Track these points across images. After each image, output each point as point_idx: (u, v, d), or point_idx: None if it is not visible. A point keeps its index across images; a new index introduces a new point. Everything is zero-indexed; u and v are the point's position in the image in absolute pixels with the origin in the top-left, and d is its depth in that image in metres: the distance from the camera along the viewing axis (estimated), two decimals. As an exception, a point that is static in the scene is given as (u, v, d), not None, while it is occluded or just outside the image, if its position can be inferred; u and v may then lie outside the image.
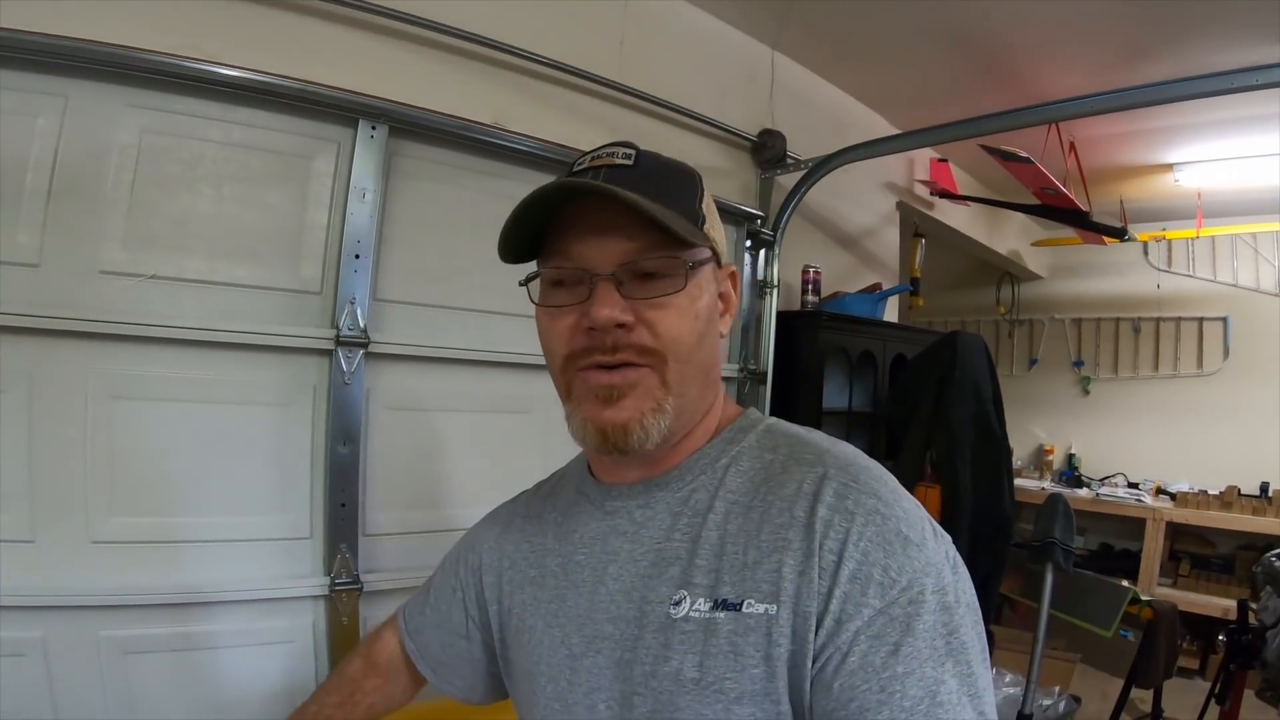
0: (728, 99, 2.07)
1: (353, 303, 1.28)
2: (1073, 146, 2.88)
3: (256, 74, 1.17)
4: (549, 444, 1.54)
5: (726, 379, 2.00)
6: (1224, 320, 3.98)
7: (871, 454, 1.78)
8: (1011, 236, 4.29)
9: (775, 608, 0.47)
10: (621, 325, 0.51)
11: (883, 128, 2.71)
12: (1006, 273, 4.92)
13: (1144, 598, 3.81)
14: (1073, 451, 4.53)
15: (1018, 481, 4.28)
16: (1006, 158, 2.54)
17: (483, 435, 1.48)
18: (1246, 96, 2.34)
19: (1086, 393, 4.52)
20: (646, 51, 1.84)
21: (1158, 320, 4.22)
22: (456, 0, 1.47)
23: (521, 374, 1.51)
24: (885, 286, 2.61)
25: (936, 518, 1.54)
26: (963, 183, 3.46)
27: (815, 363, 2.18)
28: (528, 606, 0.61)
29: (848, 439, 1.93)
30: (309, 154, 1.28)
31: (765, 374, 2.07)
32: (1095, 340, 4.48)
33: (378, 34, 1.38)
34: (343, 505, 1.25)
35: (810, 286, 2.32)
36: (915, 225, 3.24)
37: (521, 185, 1.46)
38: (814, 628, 0.46)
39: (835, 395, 2.36)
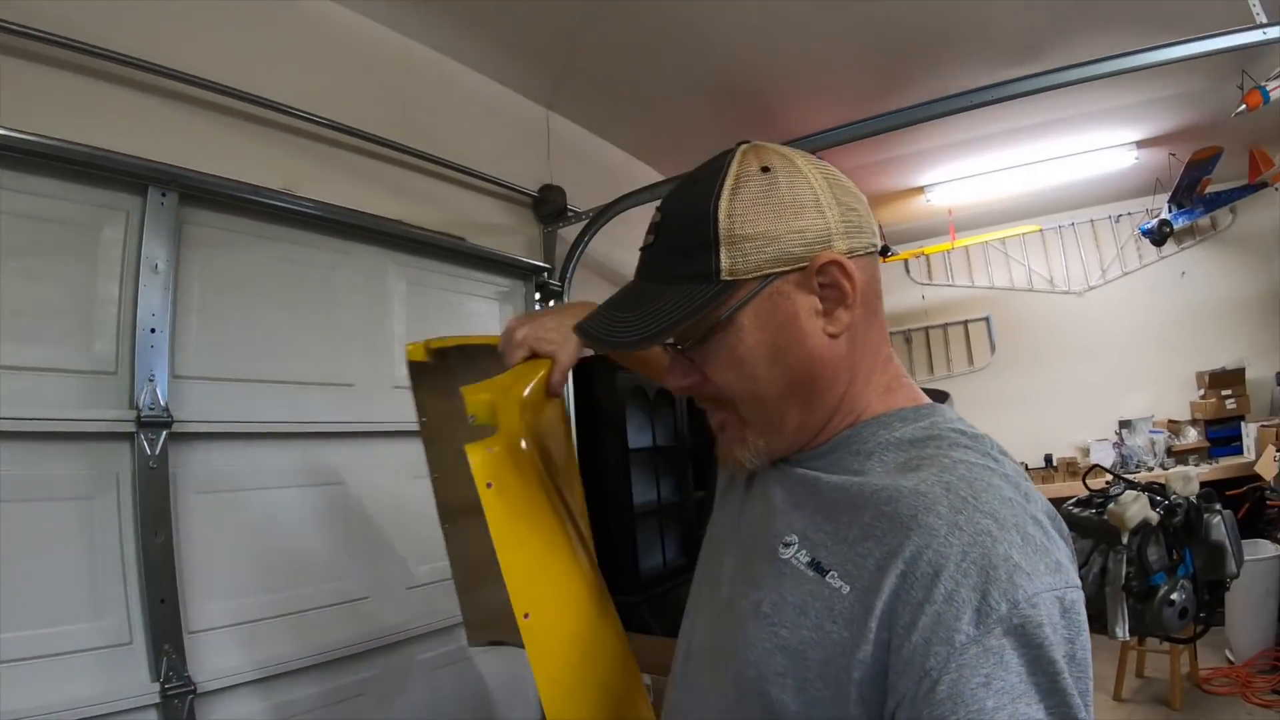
0: (509, 158, 2.62)
1: (151, 380, 1.49)
2: (828, 178, 3.91)
3: (39, 138, 1.35)
4: (365, 515, 1.84)
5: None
6: (986, 320, 5.60)
7: (679, 488, 2.40)
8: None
9: (847, 588, 0.58)
10: (692, 385, 0.70)
11: (654, 178, 3.44)
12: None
13: None
14: None
15: None
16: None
17: (299, 511, 1.73)
18: (982, 118, 3.55)
19: None
20: (429, 114, 2.30)
21: (927, 329, 5.77)
22: (244, 65, 1.77)
23: (333, 444, 1.80)
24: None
25: None
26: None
27: (616, 405, 2.72)
28: (714, 523, 0.83)
29: (656, 477, 2.49)
30: (97, 224, 1.48)
31: (569, 420, 2.54)
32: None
33: (166, 98, 1.64)
34: (162, 601, 1.42)
35: (600, 335, 2.87)
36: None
37: (313, 251, 1.81)
38: (882, 629, 0.55)
39: (638, 435, 2.94)
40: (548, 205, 2.70)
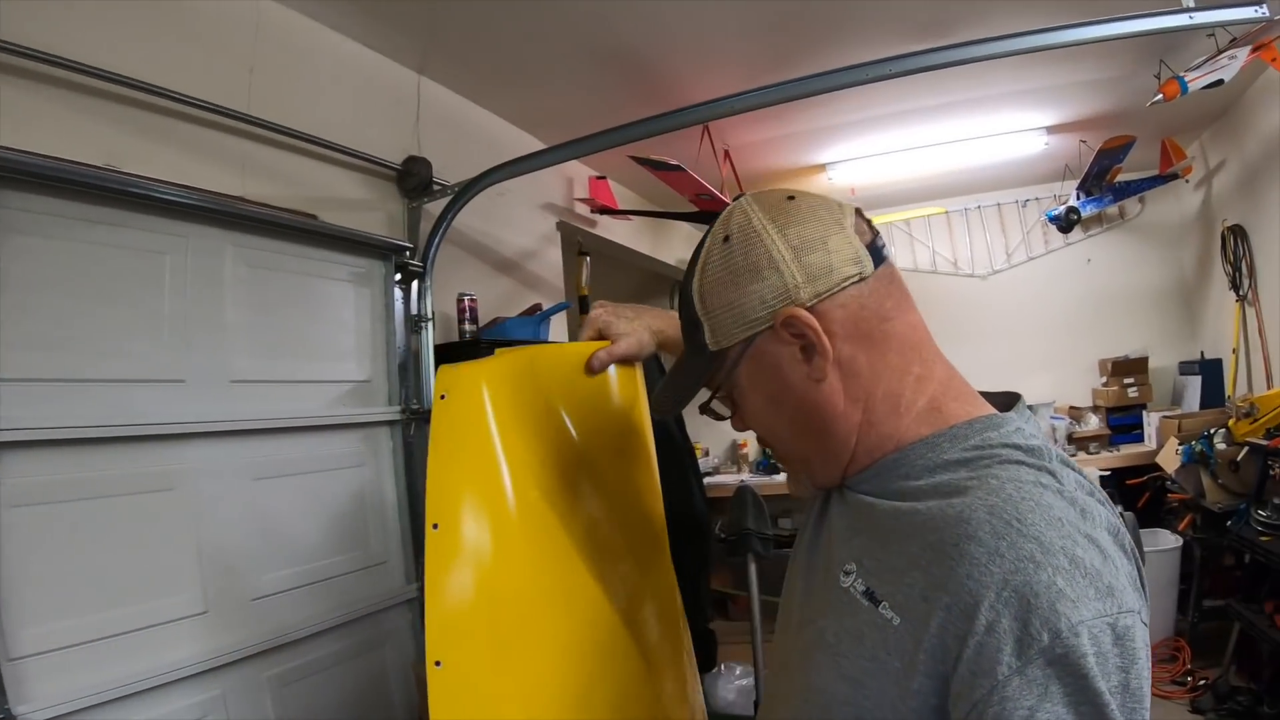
0: (371, 127, 2.70)
1: (-46, 384, 1.54)
2: (727, 154, 4.12)
3: None
4: (202, 522, 1.94)
5: (389, 423, 2.57)
6: (889, 301, 6.03)
7: None
8: (678, 246, 5.63)
9: (898, 620, 0.65)
10: (745, 429, 0.86)
11: (537, 148, 3.54)
12: (678, 282, 6.33)
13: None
14: None
15: (717, 479, 5.91)
16: (656, 166, 3.57)
17: (130, 522, 1.80)
18: (887, 96, 3.76)
19: None
20: (280, 80, 2.35)
21: None
22: (60, 26, 1.78)
23: (166, 447, 1.88)
24: (547, 307, 3.40)
25: None
26: (623, 198, 4.57)
27: None
28: (796, 544, 0.93)
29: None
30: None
31: (430, 412, 2.62)
32: (775, 336, 6.30)
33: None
34: (-23, 627, 1.49)
35: (467, 315, 2.99)
36: (579, 244, 4.18)
37: (142, 234, 1.86)
38: (934, 662, 0.61)
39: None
40: (412, 179, 2.79)
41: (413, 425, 2.65)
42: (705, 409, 0.89)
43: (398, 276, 2.66)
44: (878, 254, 0.78)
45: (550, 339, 3.33)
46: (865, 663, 0.67)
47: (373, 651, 2.40)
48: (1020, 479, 0.66)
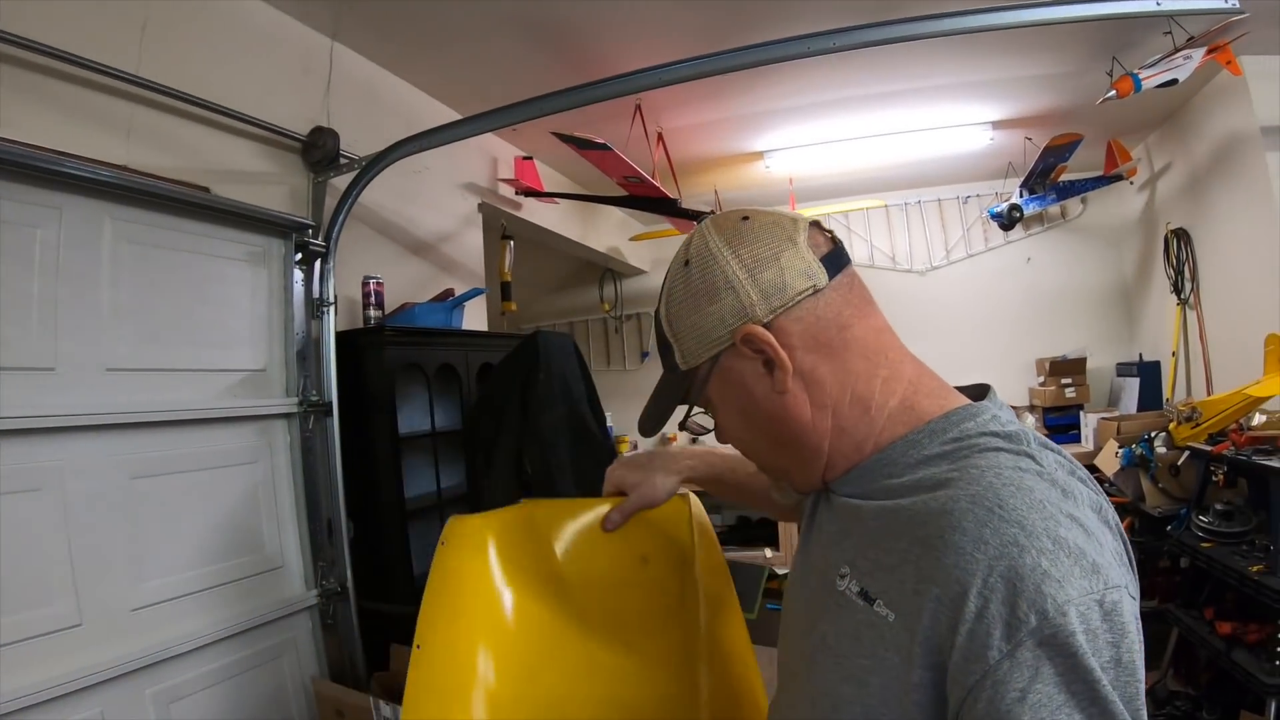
0: (276, 95, 2.65)
1: None
2: (660, 138, 4.15)
3: None
4: (74, 525, 1.88)
5: (286, 415, 2.54)
6: (825, 294, 6.26)
7: (468, 475, 2.54)
8: (608, 233, 5.65)
9: (892, 615, 0.70)
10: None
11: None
12: (608, 269, 6.41)
13: (780, 572, 5.52)
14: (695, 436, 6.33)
15: None
16: (582, 145, 3.57)
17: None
18: (829, 81, 3.81)
19: None
20: (175, 39, 2.30)
21: None
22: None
23: (31, 442, 1.81)
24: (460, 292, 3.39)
25: None
26: (550, 181, 4.57)
27: (385, 384, 2.80)
28: (797, 550, 1.01)
29: (436, 463, 2.63)
30: None
31: (330, 404, 2.62)
32: (706, 326, 6.50)
33: None
34: None
35: (372, 299, 2.95)
36: (503, 227, 4.17)
37: (11, 205, 1.81)
38: (930, 653, 0.66)
39: (419, 418, 3.07)
40: (318, 151, 2.74)
41: (311, 418, 2.60)
42: (684, 425, 0.97)
43: (298, 256, 2.61)
44: (836, 263, 0.85)
45: (464, 326, 3.31)
46: (865, 661, 0.72)
47: (269, 664, 2.35)
48: (1000, 465, 0.71)
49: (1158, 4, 2.09)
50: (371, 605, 2.68)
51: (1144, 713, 0.62)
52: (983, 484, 0.69)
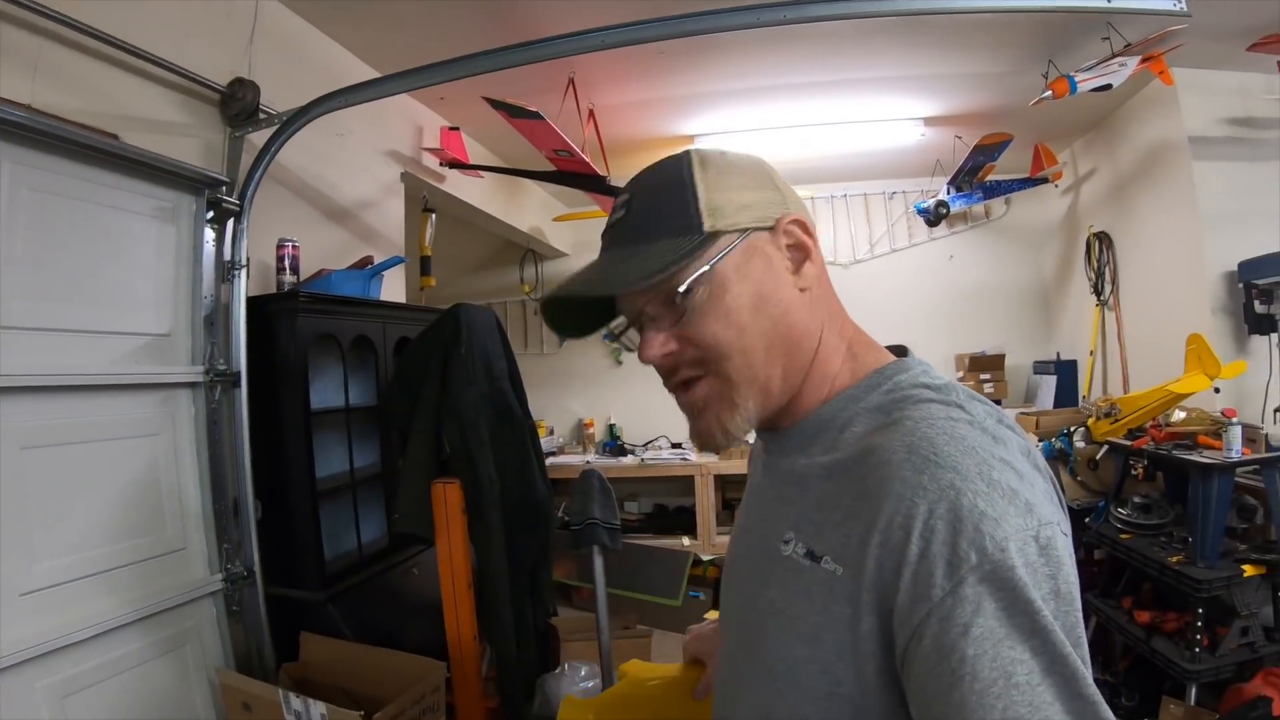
0: (197, 41, 2.51)
1: None
2: (592, 114, 4.10)
3: None
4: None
5: (191, 385, 2.42)
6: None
7: (383, 454, 2.47)
8: (532, 213, 5.59)
9: (840, 569, 0.74)
10: (669, 354, 0.86)
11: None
12: (530, 250, 6.36)
13: (705, 558, 5.57)
14: (613, 422, 6.59)
15: (561, 459, 6.08)
16: (513, 113, 3.49)
17: None
18: (762, 68, 3.82)
19: (619, 363, 6.65)
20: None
21: None
22: None
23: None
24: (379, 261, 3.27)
25: (459, 515, 2.27)
26: (477, 154, 4.48)
27: (297, 355, 2.67)
28: (735, 525, 1.03)
29: (349, 441, 2.55)
30: None
31: (239, 375, 2.50)
32: (626, 311, 6.56)
33: None
34: None
35: (287, 264, 2.82)
36: (425, 199, 4.06)
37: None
38: (877, 599, 0.70)
39: (332, 392, 2.97)
40: (236, 104, 2.61)
41: (218, 389, 2.48)
42: (617, 336, 0.94)
43: (210, 215, 2.48)
44: None
45: (381, 296, 3.21)
46: (818, 617, 0.75)
47: (171, 653, 2.25)
48: (933, 416, 0.76)
49: (1109, 1, 2.16)
50: (280, 591, 2.59)
51: (1085, 640, 0.66)
52: (917, 434, 0.73)
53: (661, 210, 0.86)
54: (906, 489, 0.69)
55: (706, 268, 0.83)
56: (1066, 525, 0.72)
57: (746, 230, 0.85)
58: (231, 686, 2.20)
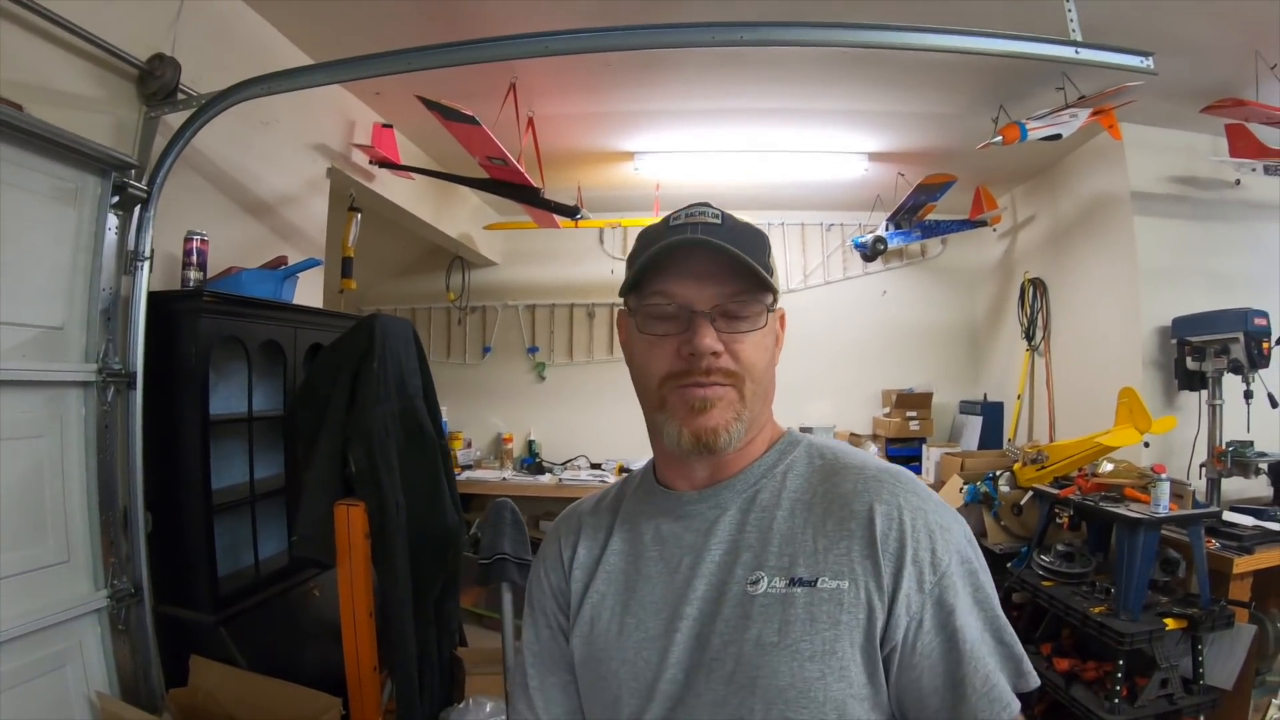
0: (116, 10, 2.38)
1: None
2: (531, 122, 4.04)
3: None
4: None
5: (83, 384, 2.29)
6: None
7: (286, 467, 2.35)
8: (463, 219, 5.52)
9: (845, 583, 0.89)
10: (715, 353, 0.94)
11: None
12: (458, 257, 6.29)
13: None
14: (532, 438, 6.52)
15: (477, 473, 5.95)
16: (448, 115, 3.40)
17: None
18: (708, 90, 3.85)
19: (542, 378, 6.64)
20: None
21: (612, 305, 6.27)
22: None
23: None
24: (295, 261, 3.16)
25: (362, 539, 2.16)
26: (410, 154, 4.38)
27: (199, 357, 2.55)
28: (597, 603, 1.05)
29: (250, 451, 2.43)
30: None
31: (134, 375, 2.38)
32: (550, 326, 6.59)
33: None
34: None
35: (194, 259, 2.68)
36: (351, 197, 3.94)
37: None
38: (884, 599, 0.88)
39: (235, 399, 2.85)
40: (155, 82, 2.49)
41: (111, 390, 2.36)
42: (711, 322, 0.99)
43: (115, 199, 2.36)
44: None
45: (296, 300, 3.09)
46: (827, 631, 0.88)
47: (50, 674, 2.12)
48: (864, 457, 1.01)
49: (1076, 52, 2.22)
50: (170, 610, 2.47)
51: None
52: (870, 469, 0.97)
53: (752, 241, 0.98)
54: (891, 509, 0.91)
55: (777, 305, 1.01)
56: None
57: (774, 301, 1.00)
58: (113, 714, 2.09)
